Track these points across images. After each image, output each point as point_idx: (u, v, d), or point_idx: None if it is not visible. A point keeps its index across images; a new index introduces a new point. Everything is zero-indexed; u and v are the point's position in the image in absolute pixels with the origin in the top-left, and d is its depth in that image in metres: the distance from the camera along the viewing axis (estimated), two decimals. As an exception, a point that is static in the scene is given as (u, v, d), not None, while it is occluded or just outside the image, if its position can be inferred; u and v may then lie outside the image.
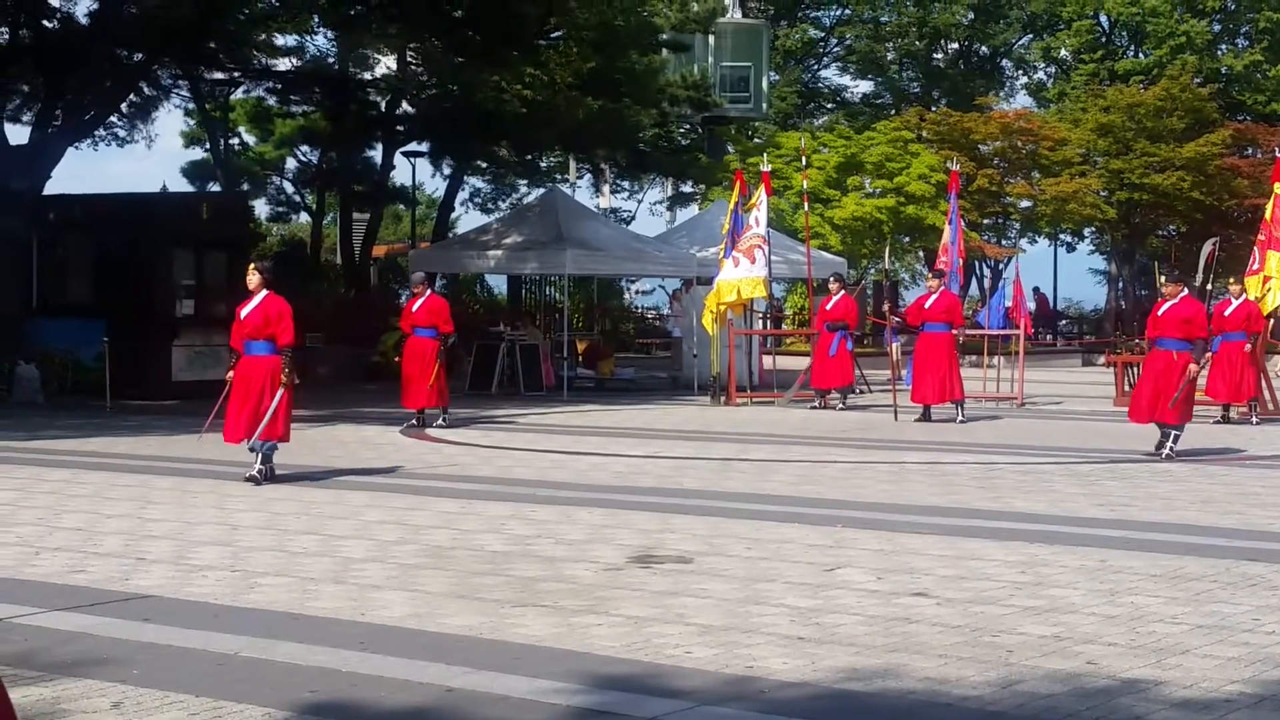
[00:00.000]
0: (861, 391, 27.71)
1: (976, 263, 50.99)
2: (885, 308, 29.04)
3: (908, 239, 46.40)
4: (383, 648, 7.87)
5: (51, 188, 28.89)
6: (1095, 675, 7.39)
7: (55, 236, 28.41)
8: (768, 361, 30.47)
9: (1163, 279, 18.08)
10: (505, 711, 6.69)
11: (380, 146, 38.65)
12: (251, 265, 15.11)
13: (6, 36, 28.43)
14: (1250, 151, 52.93)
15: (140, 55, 29.67)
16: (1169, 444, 17.21)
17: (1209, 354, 20.13)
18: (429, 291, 21.57)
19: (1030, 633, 8.29)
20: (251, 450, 14.75)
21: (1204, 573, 10.17)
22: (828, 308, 25.65)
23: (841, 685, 7.19)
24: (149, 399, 24.37)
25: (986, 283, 53.17)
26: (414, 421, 21.14)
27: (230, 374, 14.98)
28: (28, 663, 7.52)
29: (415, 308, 21.22)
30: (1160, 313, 17.39)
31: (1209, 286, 28.14)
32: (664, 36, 35.78)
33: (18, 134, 29.99)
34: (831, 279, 26.23)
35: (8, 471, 15.73)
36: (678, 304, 43.14)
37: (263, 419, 14.52)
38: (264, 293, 14.86)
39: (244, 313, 14.89)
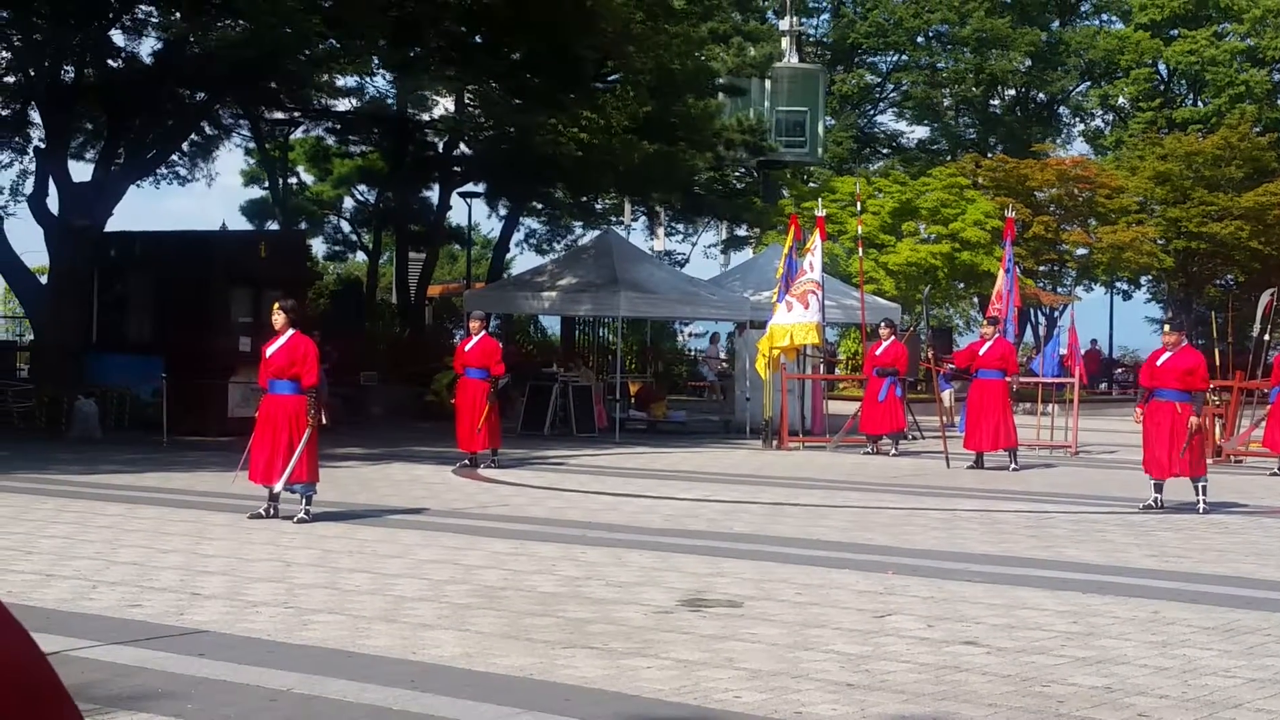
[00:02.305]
0: (914, 438, 27.65)
1: (1031, 310, 50.79)
2: (929, 354, 28.96)
3: (962, 285, 46.31)
4: (433, 687, 7.92)
5: (113, 224, 29.26)
6: (1146, 727, 7.36)
7: (116, 273, 28.74)
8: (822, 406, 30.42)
9: (1166, 328, 17.83)
10: (554, 753, 6.73)
11: (437, 187, 38.96)
12: (276, 305, 15.12)
13: (72, 75, 28.83)
14: (1310, 201, 52.60)
15: (202, 95, 30.05)
16: (1200, 496, 17.02)
17: (1217, 403, 19.80)
18: (484, 332, 21.69)
19: (1081, 683, 8.26)
20: (288, 491, 14.78)
21: (1258, 625, 10.11)
22: (877, 353, 25.65)
23: (890, 733, 7.19)
24: (205, 435, 24.57)
25: (1041, 330, 52.94)
26: (466, 461, 21.23)
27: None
28: (84, 695, 7.60)
29: (468, 348, 21.32)
30: (1159, 363, 16.98)
31: (1267, 337, 27.92)
32: (720, 81, 35.97)
33: (81, 171, 30.43)
34: (883, 324, 26.23)
35: (65, 505, 15.90)
36: (714, 346, 43.18)
37: (289, 462, 14.57)
38: (290, 332, 14.88)
39: (269, 351, 14.97)
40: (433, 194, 39.79)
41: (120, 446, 23.49)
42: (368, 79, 36.27)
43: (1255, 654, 9.17)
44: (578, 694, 7.85)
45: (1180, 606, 10.78)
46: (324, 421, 15.23)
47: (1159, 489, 17.06)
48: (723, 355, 44.08)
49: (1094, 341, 51.59)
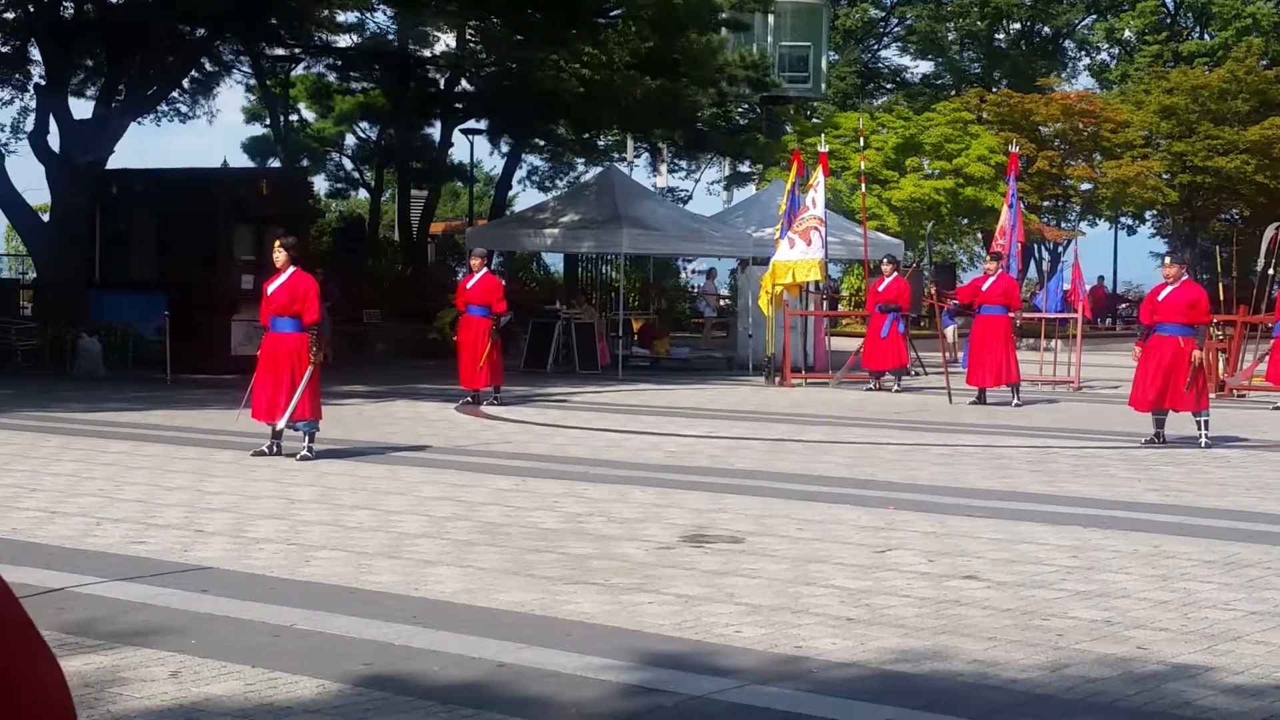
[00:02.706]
0: (917, 374, 27.67)
1: (1035, 246, 50.72)
2: (932, 290, 28.91)
3: (966, 221, 46.22)
4: (436, 622, 7.95)
5: (114, 162, 29.20)
6: (1145, 660, 7.39)
7: (117, 210, 28.70)
8: (824, 342, 30.42)
9: (1166, 260, 17.75)
10: (555, 687, 6.76)
11: (439, 124, 38.83)
12: (277, 242, 15.05)
13: (72, 11, 28.70)
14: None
15: (202, 31, 29.90)
16: (1202, 431, 17.01)
17: (1220, 338, 19.73)
18: (485, 269, 21.65)
19: (1080, 617, 8.30)
20: (290, 429, 14.81)
21: (1258, 559, 10.14)
22: (880, 289, 25.62)
23: (890, 666, 7.23)
24: (209, 373, 24.59)
25: (1045, 266, 52.90)
26: (469, 399, 21.26)
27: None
28: (88, 631, 7.65)
29: (470, 285, 21.29)
30: (1161, 297, 16.86)
31: (1271, 271, 27.86)
32: (723, 16, 35.73)
33: (81, 108, 30.32)
34: (885, 260, 26.19)
35: (69, 443, 15.94)
36: (710, 282, 43.11)
37: (291, 399, 14.59)
38: (291, 269, 14.83)
39: (271, 289, 14.94)
40: (434, 131, 39.71)
41: (124, 384, 23.54)
42: (368, 15, 36.10)
43: (1255, 587, 9.20)
44: (579, 629, 7.88)
45: (1181, 540, 10.81)
46: (326, 359, 15.23)
47: (1159, 423, 17.06)
48: (721, 291, 44.04)
49: (1100, 279, 51.52)
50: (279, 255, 14.90)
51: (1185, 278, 16.91)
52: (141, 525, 10.92)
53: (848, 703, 6.61)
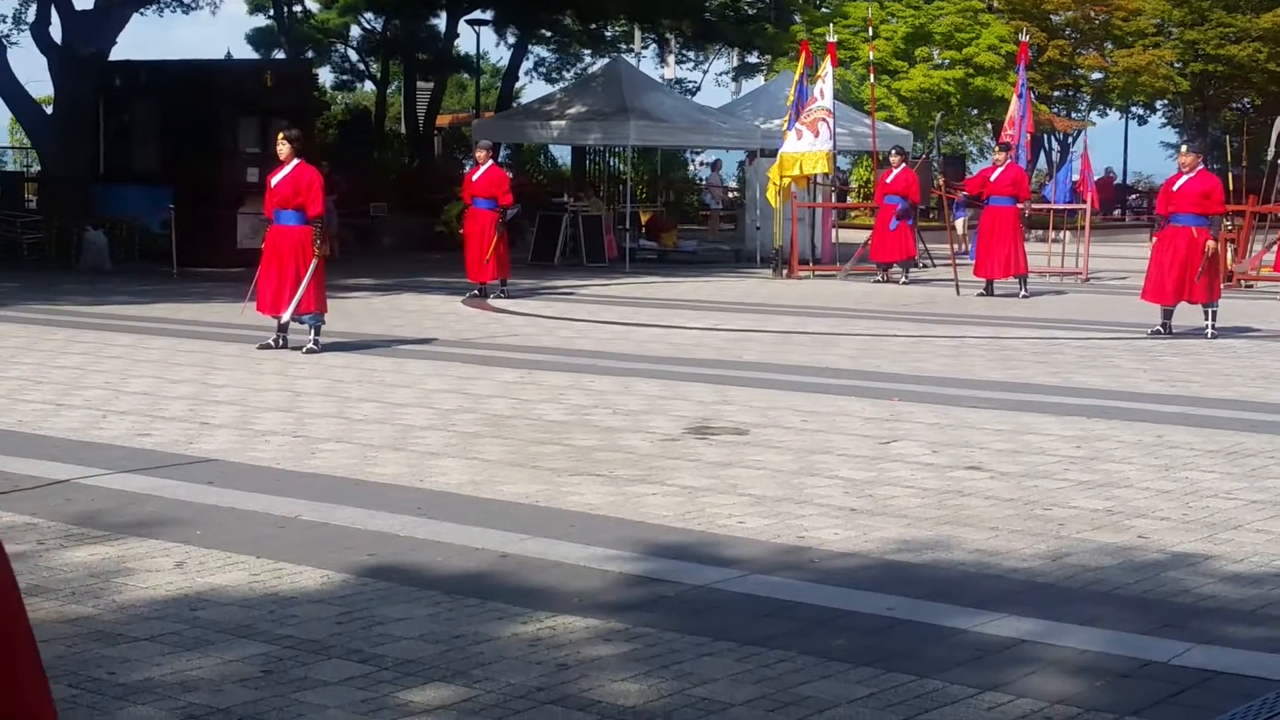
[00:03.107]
0: (925, 265, 27.60)
1: (1045, 136, 50.38)
2: (941, 181, 28.72)
3: (975, 111, 45.86)
4: (440, 514, 7.99)
5: (117, 53, 28.94)
6: (1145, 549, 7.43)
7: (121, 103, 28.53)
8: (832, 235, 30.32)
9: (1182, 149, 17.63)
10: (559, 577, 6.80)
11: (444, 14, 38.45)
12: (281, 134, 14.95)
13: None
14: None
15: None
16: (1209, 321, 16.98)
17: (1229, 228, 19.60)
18: (491, 162, 21.53)
19: (1082, 506, 8.32)
20: (296, 322, 14.81)
21: (1261, 448, 10.16)
22: (888, 181, 25.48)
23: (892, 556, 7.26)
24: (214, 266, 24.56)
25: (1055, 156, 52.58)
26: (475, 292, 21.24)
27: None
28: (94, 522, 7.70)
29: (475, 178, 21.20)
30: (1176, 187, 16.75)
31: (1280, 161, 27.68)
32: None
33: (83, -1, 30.02)
34: (893, 152, 26.02)
35: (76, 336, 15.97)
36: (716, 174, 42.89)
37: (295, 293, 14.57)
38: (295, 162, 14.75)
39: (274, 182, 14.88)
40: (440, 22, 39.31)
41: (130, 277, 23.53)
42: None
43: (1257, 476, 9.22)
44: (582, 520, 7.92)
45: (1184, 430, 10.83)
46: (330, 252, 15.19)
47: (1167, 314, 17.03)
48: (729, 184, 43.81)
49: (1108, 169, 51.20)
50: (282, 148, 14.82)
51: (1200, 168, 16.80)
52: (147, 418, 10.96)
53: (849, 592, 6.64)
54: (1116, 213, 51.22)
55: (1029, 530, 7.78)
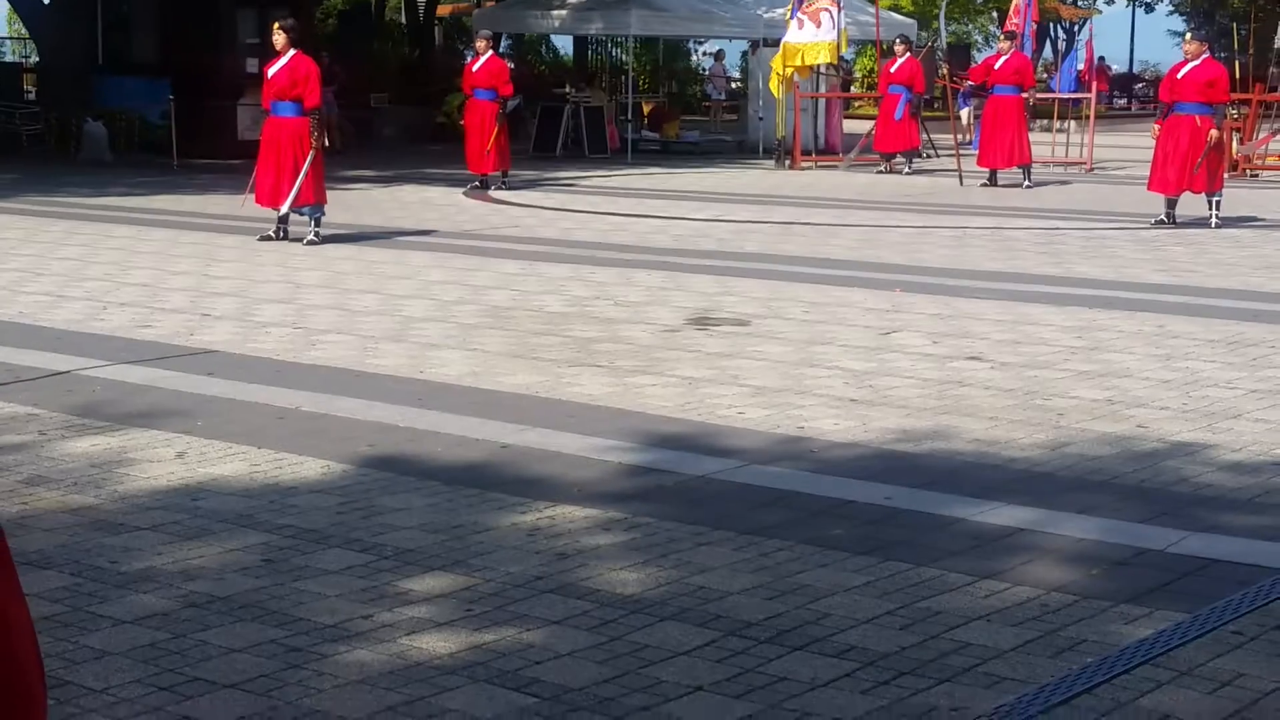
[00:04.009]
0: (928, 156, 27.46)
1: (1051, 24, 49.92)
2: (946, 70, 28.48)
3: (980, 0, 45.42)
4: (440, 405, 8.01)
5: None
6: (1144, 438, 7.44)
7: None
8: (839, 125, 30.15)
9: (1187, 36, 17.48)
10: (558, 468, 6.82)
11: (444, -99, 38.00)
12: (276, 24, 14.79)
13: None
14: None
15: None
16: (1213, 211, 16.92)
17: (1235, 117, 19.43)
18: (491, 53, 21.36)
19: (1082, 396, 8.33)
20: (295, 213, 14.75)
21: (1262, 338, 10.15)
22: (892, 71, 25.29)
23: (891, 446, 7.28)
24: (215, 158, 24.44)
25: (1060, 45, 52.14)
26: (476, 183, 21.16)
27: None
28: (95, 413, 7.71)
29: (475, 69, 21.04)
30: (1180, 75, 16.61)
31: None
32: None
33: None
34: (898, 41, 25.80)
35: (76, 228, 15.93)
36: (719, 64, 42.55)
37: (294, 184, 14.51)
38: (291, 52, 14.62)
39: (271, 73, 14.76)
40: (440, -92, 38.87)
41: (130, 169, 23.44)
42: None
43: (1257, 366, 9.22)
44: (582, 410, 7.93)
45: (1185, 320, 10.82)
46: (330, 144, 15.10)
47: (1171, 204, 16.96)
48: (731, 74, 43.46)
49: (1101, 58, 50.78)
50: (278, 38, 14.68)
51: (1206, 55, 16.66)
52: (147, 309, 10.96)
53: (848, 482, 6.66)
54: (1121, 102, 50.88)
55: (1028, 420, 7.79)
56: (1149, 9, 57.95)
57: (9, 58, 42.22)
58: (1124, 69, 58.88)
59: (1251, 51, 29.10)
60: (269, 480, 6.57)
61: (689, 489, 6.55)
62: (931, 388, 8.55)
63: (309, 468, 6.78)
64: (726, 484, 6.62)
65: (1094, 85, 27.93)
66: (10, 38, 46.93)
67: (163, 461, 6.84)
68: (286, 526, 5.92)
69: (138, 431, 7.36)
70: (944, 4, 35.91)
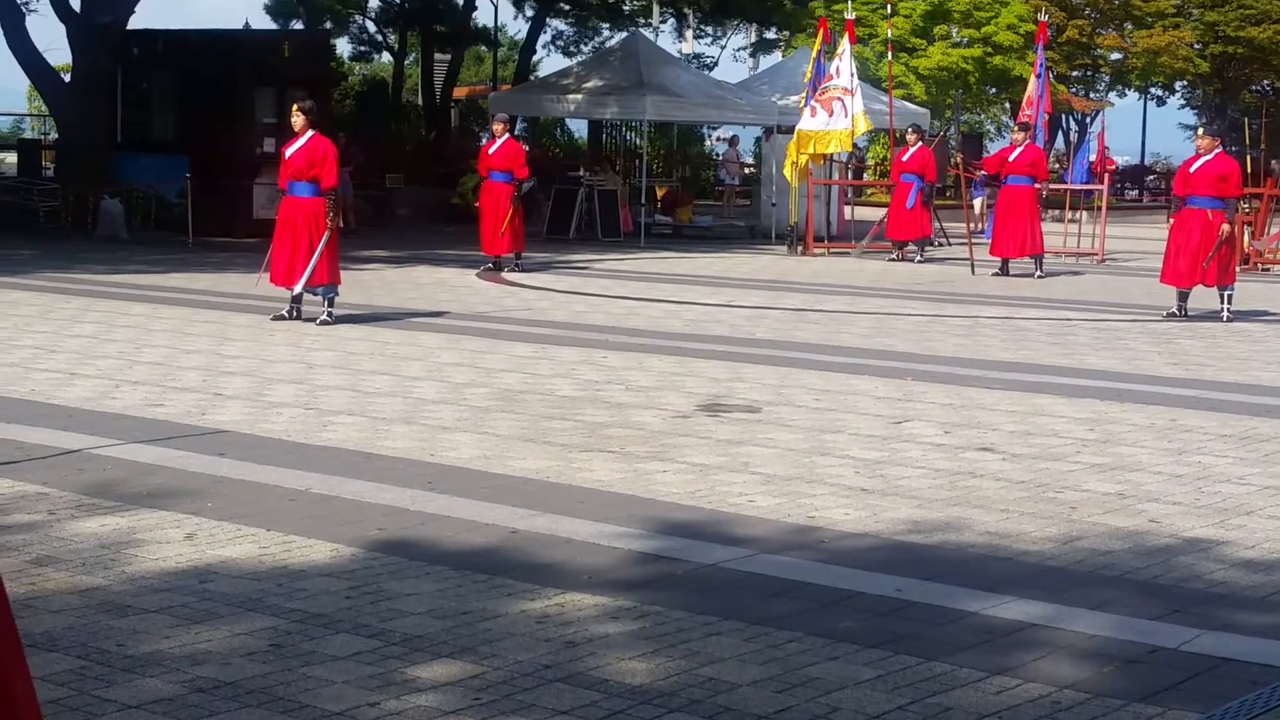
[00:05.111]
0: (940, 244, 27.55)
1: (1063, 116, 50.21)
2: (959, 159, 28.64)
3: (993, 90, 45.72)
4: (450, 488, 7.99)
5: (135, 22, 28.96)
6: (1157, 533, 7.41)
7: (139, 72, 28.54)
8: (847, 212, 30.29)
9: (1200, 131, 17.57)
10: (568, 554, 6.80)
11: (463, -14, 38.38)
12: (295, 105, 14.93)
13: None
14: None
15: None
16: (1225, 305, 16.93)
17: (1247, 211, 19.48)
18: (507, 135, 21.51)
19: (1094, 490, 8.30)
20: (309, 293, 14.81)
21: (1275, 434, 10.12)
22: (904, 159, 25.43)
23: (902, 537, 7.25)
24: (230, 236, 24.58)
25: (1072, 137, 52.41)
26: (490, 265, 21.24)
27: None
28: (106, 493, 7.71)
29: (492, 151, 21.18)
30: (1193, 169, 16.70)
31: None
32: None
33: (102, -32, 29.96)
34: (910, 130, 25.96)
35: (90, 305, 15.99)
36: (733, 150, 42.80)
37: (309, 264, 14.57)
38: (309, 133, 14.75)
39: (289, 153, 14.87)
40: (459, -7, 39.23)
41: (145, 247, 23.55)
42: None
43: (1270, 461, 9.19)
44: (593, 497, 7.92)
45: (1198, 414, 10.80)
46: (345, 224, 15.17)
47: (1183, 297, 16.98)
48: (745, 159, 43.67)
49: (1104, 149, 51.12)
50: (297, 119, 14.80)
51: (1218, 150, 16.74)
52: (160, 388, 10.97)
53: (859, 573, 6.63)
54: (1133, 194, 51.08)
55: (1040, 513, 7.76)
56: (1160, 102, 58.27)
57: (29, 135, 42.55)
58: (1136, 161, 59.15)
59: (1264, 146, 29.23)
60: (278, 563, 6.55)
61: (699, 577, 6.52)
62: (943, 478, 8.53)
63: (318, 550, 6.76)
64: (737, 573, 6.60)
65: (1105, 177, 28.04)
66: (31, 115, 47.32)
67: (172, 543, 6.83)
68: (295, 610, 5.90)
69: (147, 512, 7.35)
70: (957, 94, 36.21)
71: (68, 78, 29.67)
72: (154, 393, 10.77)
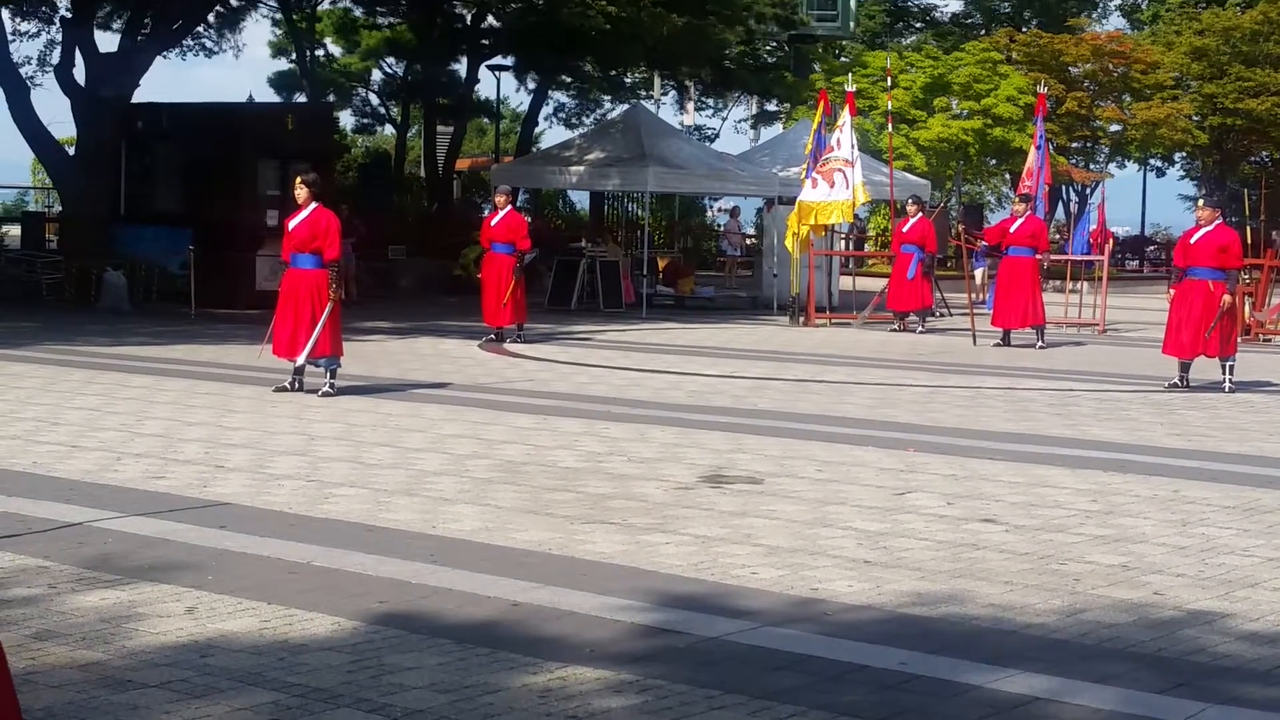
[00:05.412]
0: (942, 315, 27.60)
1: (1063, 187, 50.43)
2: (960, 230, 28.75)
3: (993, 162, 45.93)
4: (452, 561, 7.97)
5: (140, 96, 29.14)
6: (1161, 606, 7.38)
7: (143, 145, 28.68)
8: (846, 282, 30.38)
9: (1200, 203, 17.65)
10: (571, 627, 6.78)
11: (465, 60, 38.62)
12: (298, 178, 15.02)
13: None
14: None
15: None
16: (1226, 375, 16.94)
17: (1247, 281, 19.54)
18: (510, 207, 21.59)
19: (1098, 561, 8.28)
20: (311, 365, 14.83)
21: (1278, 505, 10.10)
22: (904, 230, 25.52)
23: (906, 610, 7.22)
24: (233, 308, 24.63)
25: (1073, 208, 52.61)
26: (492, 336, 21.27)
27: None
28: (106, 566, 7.69)
29: (494, 222, 21.24)
30: (1194, 240, 16.75)
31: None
32: (752, -47, 35.39)
33: (107, 42, 30.25)
34: (910, 201, 26.06)
35: (93, 377, 15.99)
36: (734, 221, 42.99)
37: (311, 336, 14.60)
38: (313, 205, 14.81)
39: (292, 225, 14.94)
40: (461, 67, 39.48)
41: (148, 319, 23.59)
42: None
43: (1274, 533, 9.17)
44: (595, 569, 7.89)
45: (1201, 485, 10.78)
46: (346, 296, 15.20)
47: (1185, 368, 17.00)
48: (747, 230, 43.81)
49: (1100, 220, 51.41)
50: (300, 191, 14.88)
51: (1219, 221, 16.80)
52: (162, 460, 10.96)
53: (862, 646, 6.60)
54: (1133, 264, 51.22)
55: (1044, 585, 7.74)
56: (1160, 173, 58.54)
57: (32, 207, 42.72)
58: (1136, 231, 59.34)
59: (1264, 217, 29.33)
60: (279, 637, 6.53)
61: (702, 651, 6.49)
62: (946, 550, 8.50)
63: (320, 624, 6.73)
64: (740, 646, 6.57)
65: (1106, 247, 28.12)
66: (35, 188, 47.52)
67: (173, 616, 6.81)
68: (296, 685, 5.87)
69: (148, 585, 7.33)
70: (958, 165, 36.38)
71: (72, 151, 29.80)
72: (156, 465, 10.76)
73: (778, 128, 48.01)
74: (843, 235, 29.07)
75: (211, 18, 34.00)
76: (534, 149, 41.34)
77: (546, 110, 46.51)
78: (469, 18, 36.56)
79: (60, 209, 32.59)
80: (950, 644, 6.66)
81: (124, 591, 7.20)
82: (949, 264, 35.94)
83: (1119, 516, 9.57)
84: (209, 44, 36.76)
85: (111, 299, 25.41)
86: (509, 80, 42.12)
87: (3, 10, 28.33)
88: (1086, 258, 29.16)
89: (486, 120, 52.86)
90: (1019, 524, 9.27)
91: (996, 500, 10.04)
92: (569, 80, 42.51)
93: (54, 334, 20.68)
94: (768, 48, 45.79)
